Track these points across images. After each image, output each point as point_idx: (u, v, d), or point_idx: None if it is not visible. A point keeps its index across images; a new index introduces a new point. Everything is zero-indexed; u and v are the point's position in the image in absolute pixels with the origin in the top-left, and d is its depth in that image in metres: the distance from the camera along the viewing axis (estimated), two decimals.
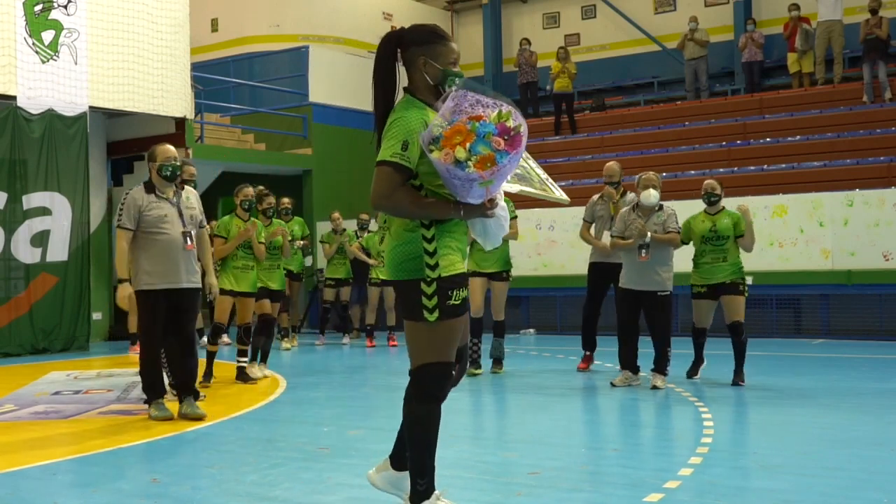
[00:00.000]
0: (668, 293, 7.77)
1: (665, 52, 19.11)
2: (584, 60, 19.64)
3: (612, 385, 7.86)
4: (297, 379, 8.81)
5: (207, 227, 6.92)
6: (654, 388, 7.61)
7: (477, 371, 8.60)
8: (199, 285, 6.63)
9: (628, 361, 7.96)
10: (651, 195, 7.80)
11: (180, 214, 6.54)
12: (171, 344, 6.62)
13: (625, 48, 19.96)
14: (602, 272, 8.88)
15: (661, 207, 7.90)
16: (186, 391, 6.60)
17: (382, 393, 8.05)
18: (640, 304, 7.85)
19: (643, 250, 7.71)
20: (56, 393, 8.15)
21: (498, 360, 8.84)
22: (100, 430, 6.17)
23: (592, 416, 6.65)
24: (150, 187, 6.52)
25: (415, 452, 3.64)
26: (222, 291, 8.26)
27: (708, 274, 7.89)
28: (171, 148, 6.60)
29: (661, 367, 7.77)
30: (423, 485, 3.64)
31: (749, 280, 8.15)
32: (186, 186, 6.84)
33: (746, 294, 7.87)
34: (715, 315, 8.15)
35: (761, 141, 15.32)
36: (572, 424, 6.54)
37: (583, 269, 9.58)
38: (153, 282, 6.38)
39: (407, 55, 3.57)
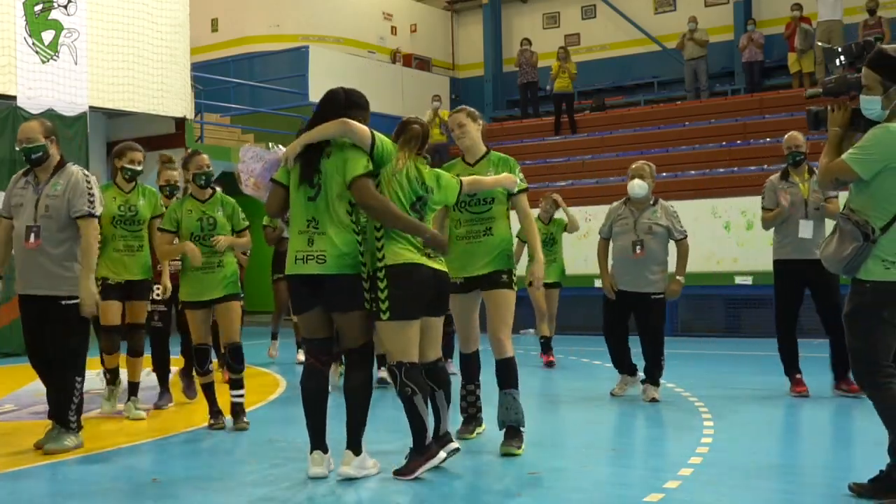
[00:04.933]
0: (662, 295, 7.09)
1: (665, 52, 19.11)
2: (584, 60, 19.64)
3: (612, 395, 7.29)
4: (298, 379, 8.80)
5: (93, 219, 5.53)
6: (653, 400, 6.96)
7: (472, 434, 5.65)
8: (54, 292, 5.39)
9: (624, 364, 7.30)
10: (635, 186, 7.10)
11: (36, 204, 5.48)
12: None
13: (625, 48, 19.97)
14: (795, 272, 7.16)
15: (656, 202, 7.21)
16: (54, 419, 5.56)
17: (381, 393, 8.04)
18: (629, 306, 7.15)
19: (637, 246, 7.03)
20: None
21: (515, 430, 5.28)
22: (100, 430, 6.15)
23: (592, 416, 6.64)
24: (28, 170, 5.63)
25: (365, 411, 4.64)
26: (184, 304, 6.33)
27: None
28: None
29: (654, 377, 7.08)
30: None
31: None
32: (71, 166, 5.65)
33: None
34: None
35: (761, 141, 15.32)
36: (572, 424, 6.53)
37: (583, 267, 9.45)
38: (19, 285, 5.54)
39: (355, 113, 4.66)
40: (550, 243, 9.58)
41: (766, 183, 7.45)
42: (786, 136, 7.49)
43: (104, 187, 6.49)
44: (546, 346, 9.59)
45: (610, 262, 7.33)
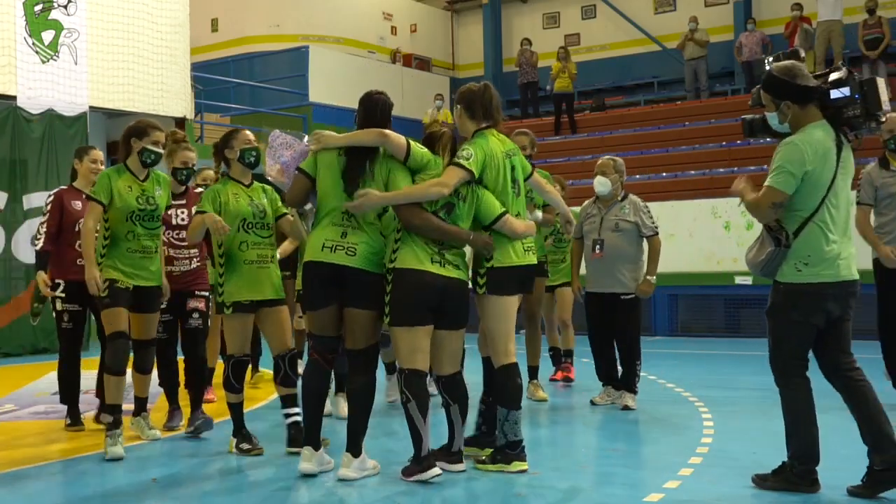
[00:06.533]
0: (634, 295, 6.67)
1: (665, 52, 19.12)
2: (584, 60, 19.65)
3: (593, 403, 6.88)
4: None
5: None
6: (626, 408, 6.61)
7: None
8: None
9: (607, 375, 6.91)
10: (597, 183, 6.76)
11: None
12: None
13: (625, 48, 19.98)
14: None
15: (625, 197, 6.80)
16: None
17: (381, 394, 8.03)
18: (605, 309, 6.75)
19: (597, 246, 6.69)
20: (56, 393, 8.13)
21: (513, 444, 4.81)
22: (100, 430, 6.15)
23: (592, 416, 6.64)
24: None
25: (366, 414, 4.65)
26: (236, 307, 5.23)
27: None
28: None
29: (630, 383, 6.70)
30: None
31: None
32: None
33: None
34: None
35: (761, 141, 15.28)
36: (572, 425, 6.53)
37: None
38: None
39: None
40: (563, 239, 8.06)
41: (862, 175, 6.51)
42: (886, 118, 5.90)
43: (115, 171, 5.57)
44: (557, 360, 8.36)
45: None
